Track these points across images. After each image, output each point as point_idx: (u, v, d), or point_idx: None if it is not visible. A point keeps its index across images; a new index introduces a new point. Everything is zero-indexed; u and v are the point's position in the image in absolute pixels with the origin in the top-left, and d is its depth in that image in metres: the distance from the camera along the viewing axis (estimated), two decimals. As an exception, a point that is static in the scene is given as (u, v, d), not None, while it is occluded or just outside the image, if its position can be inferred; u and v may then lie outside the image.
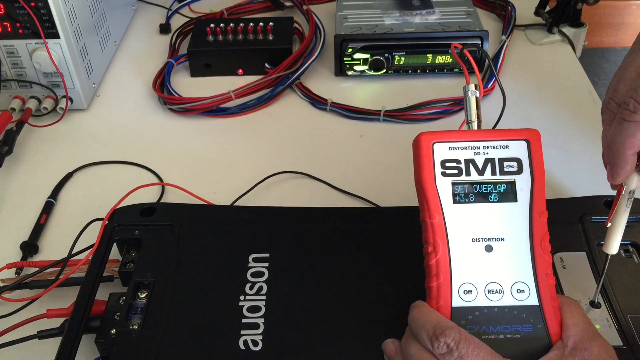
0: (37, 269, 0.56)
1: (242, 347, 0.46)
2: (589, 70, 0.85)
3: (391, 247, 0.53)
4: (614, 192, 0.47)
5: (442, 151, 0.45)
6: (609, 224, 0.45)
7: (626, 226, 0.46)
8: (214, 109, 0.77)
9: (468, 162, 0.45)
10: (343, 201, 0.65)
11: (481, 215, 0.44)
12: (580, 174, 0.67)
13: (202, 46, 0.83)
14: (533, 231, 0.43)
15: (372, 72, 0.81)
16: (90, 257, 0.53)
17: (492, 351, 0.40)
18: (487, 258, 0.43)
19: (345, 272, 0.51)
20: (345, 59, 0.80)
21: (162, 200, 0.66)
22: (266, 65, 0.82)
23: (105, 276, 0.53)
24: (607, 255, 0.46)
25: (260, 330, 0.47)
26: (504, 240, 0.43)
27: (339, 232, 0.55)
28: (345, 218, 0.57)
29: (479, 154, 0.45)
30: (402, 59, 0.80)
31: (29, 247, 0.61)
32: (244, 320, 0.48)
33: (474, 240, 0.43)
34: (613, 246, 0.45)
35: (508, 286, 0.43)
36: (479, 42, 0.79)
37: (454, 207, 0.44)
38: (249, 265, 0.52)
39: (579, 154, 0.70)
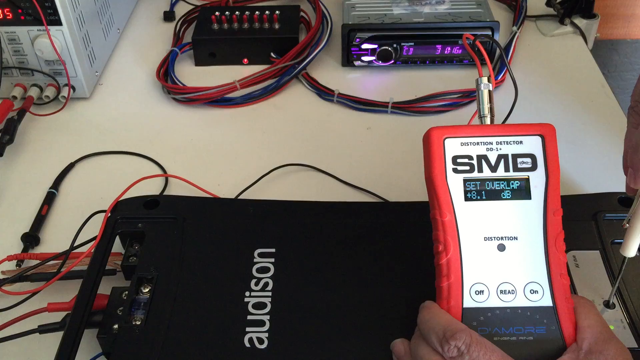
0: (38, 261, 0.55)
1: (247, 344, 0.45)
2: (599, 62, 0.83)
3: (400, 244, 0.52)
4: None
5: (453, 147, 0.44)
6: (627, 226, 0.44)
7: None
8: (219, 99, 0.75)
9: (480, 158, 0.43)
10: (350, 195, 0.64)
11: (494, 213, 0.43)
12: (593, 170, 0.66)
13: (207, 35, 0.81)
14: (547, 230, 0.42)
15: (380, 63, 0.79)
16: (92, 250, 0.53)
17: (505, 354, 0.39)
18: (500, 257, 0.42)
19: (353, 269, 0.50)
20: (352, 49, 0.78)
21: (165, 192, 0.65)
22: (272, 54, 0.81)
23: (107, 269, 0.52)
24: (624, 257, 0.45)
25: (265, 328, 0.46)
26: (517, 239, 0.42)
27: (347, 227, 0.54)
28: (353, 213, 0.56)
29: (491, 149, 0.44)
30: (411, 49, 0.78)
31: (30, 238, 0.60)
32: (249, 317, 0.47)
33: (486, 239, 0.42)
34: (631, 249, 0.44)
35: (521, 286, 0.42)
36: (490, 32, 0.77)
37: (465, 205, 0.43)
38: (255, 260, 0.51)
39: (591, 148, 0.69)
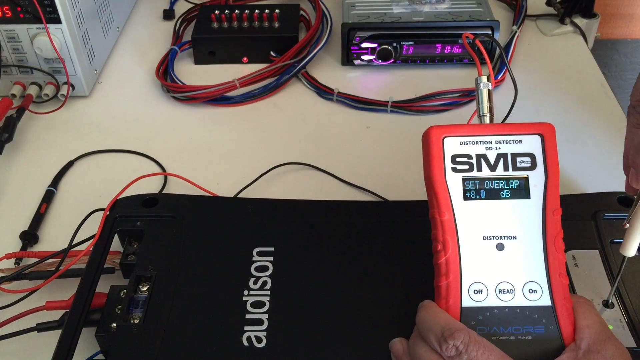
0: (36, 259, 0.55)
1: (245, 343, 0.45)
2: (599, 62, 0.83)
3: (399, 243, 0.52)
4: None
5: (452, 146, 0.43)
6: (627, 226, 0.44)
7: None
8: (218, 97, 0.75)
9: (479, 157, 0.43)
10: (349, 194, 0.64)
11: (493, 212, 0.42)
12: (592, 169, 0.66)
13: (207, 33, 0.81)
14: (546, 229, 0.42)
15: (380, 62, 0.79)
16: (91, 248, 0.52)
17: (503, 354, 0.38)
18: (499, 257, 0.42)
19: (352, 268, 0.50)
20: (352, 47, 0.78)
21: (164, 191, 0.65)
22: (272, 53, 0.81)
23: (106, 268, 0.52)
24: (624, 256, 0.45)
25: (264, 327, 0.46)
26: (516, 238, 0.42)
27: (346, 226, 0.53)
28: (352, 212, 0.55)
29: (491, 148, 0.43)
30: (411, 48, 0.78)
31: (29, 236, 0.60)
32: (247, 316, 0.47)
33: (485, 238, 0.42)
34: (631, 248, 0.44)
35: (520, 286, 0.42)
36: (490, 32, 0.77)
37: (464, 204, 0.43)
38: (253, 259, 0.51)
39: (591, 148, 0.69)
